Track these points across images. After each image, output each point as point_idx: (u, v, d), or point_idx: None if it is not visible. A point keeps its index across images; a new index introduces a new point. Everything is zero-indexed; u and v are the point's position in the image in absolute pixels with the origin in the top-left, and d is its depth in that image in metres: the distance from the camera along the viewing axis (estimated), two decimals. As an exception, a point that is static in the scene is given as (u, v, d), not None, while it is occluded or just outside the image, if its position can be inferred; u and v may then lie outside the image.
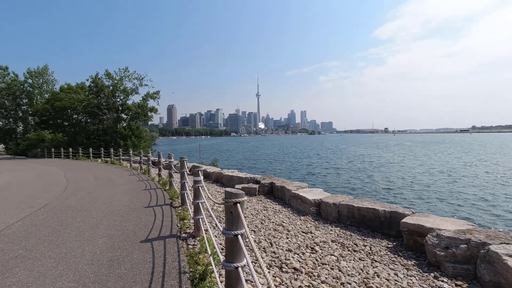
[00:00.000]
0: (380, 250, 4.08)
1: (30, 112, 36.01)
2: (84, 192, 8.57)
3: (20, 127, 39.62)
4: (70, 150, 24.93)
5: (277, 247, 4.15)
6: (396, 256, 3.87)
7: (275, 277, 3.23)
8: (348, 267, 3.55)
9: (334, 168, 29.48)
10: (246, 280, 2.37)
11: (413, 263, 3.67)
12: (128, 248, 3.98)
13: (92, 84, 29.70)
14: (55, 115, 30.37)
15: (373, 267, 3.54)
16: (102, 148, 23.15)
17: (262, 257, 3.72)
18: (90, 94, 29.86)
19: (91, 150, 23.20)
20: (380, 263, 3.66)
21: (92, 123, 31.11)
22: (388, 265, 3.61)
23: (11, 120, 38.98)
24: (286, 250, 4.06)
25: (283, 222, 5.45)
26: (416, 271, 3.44)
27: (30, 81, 37.79)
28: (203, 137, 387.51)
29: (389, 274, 3.37)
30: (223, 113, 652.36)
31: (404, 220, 4.28)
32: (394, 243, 4.31)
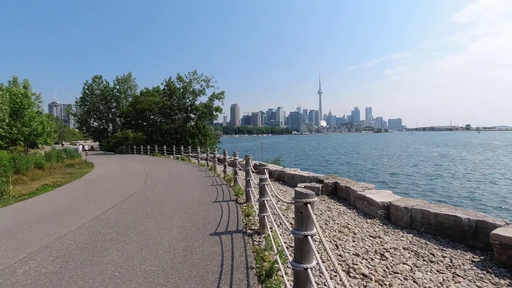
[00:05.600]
0: (463, 264, 3.62)
1: (118, 114, 41.89)
2: (160, 185, 9.54)
3: (110, 127, 46.43)
4: (148, 147, 28.05)
5: (343, 250, 4.02)
6: (484, 272, 3.39)
7: (342, 282, 3.13)
8: (425, 279, 3.24)
9: (403, 169, 27.06)
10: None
11: (507, 282, 3.16)
12: (199, 240, 4.32)
13: (165, 88, 32.93)
14: (136, 116, 34.68)
15: (455, 282, 3.17)
16: (174, 146, 25.46)
17: (332, 261, 3.64)
18: (164, 97, 33.16)
19: (165, 147, 25.72)
20: (464, 279, 3.25)
21: (166, 122, 34.51)
22: (474, 282, 3.18)
23: (103, 121, 46.14)
24: (353, 254, 3.90)
25: (348, 224, 5.24)
26: (512, 292, 2.97)
27: (117, 87, 43.94)
28: (264, 135, 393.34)
29: (475, 292, 2.98)
30: (284, 111, 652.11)
31: (495, 231, 3.71)
32: (482, 257, 3.77)
